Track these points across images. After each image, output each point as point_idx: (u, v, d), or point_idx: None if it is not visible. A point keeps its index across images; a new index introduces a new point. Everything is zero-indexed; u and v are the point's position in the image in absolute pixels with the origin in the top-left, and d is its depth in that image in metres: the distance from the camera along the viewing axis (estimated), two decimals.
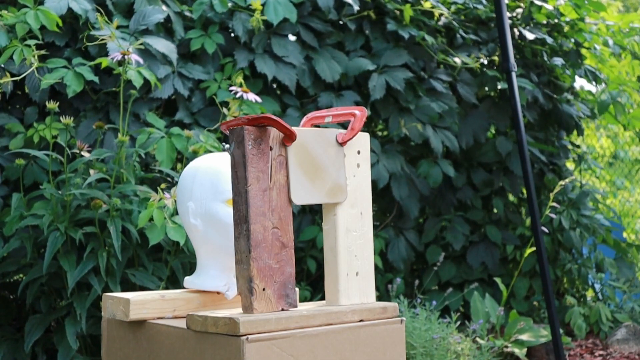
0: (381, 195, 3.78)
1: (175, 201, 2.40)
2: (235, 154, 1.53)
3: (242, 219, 1.52)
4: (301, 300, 3.11)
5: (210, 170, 1.72)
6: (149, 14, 2.94)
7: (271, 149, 1.55)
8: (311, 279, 3.51)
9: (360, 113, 1.67)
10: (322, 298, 1.69)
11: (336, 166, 1.64)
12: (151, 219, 2.39)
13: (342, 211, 1.64)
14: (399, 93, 3.58)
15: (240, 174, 1.53)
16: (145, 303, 1.64)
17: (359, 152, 1.69)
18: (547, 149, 4.05)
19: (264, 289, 1.52)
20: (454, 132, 3.71)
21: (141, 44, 2.79)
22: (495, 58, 3.84)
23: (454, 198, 3.92)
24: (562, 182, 3.42)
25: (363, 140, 1.70)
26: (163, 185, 2.46)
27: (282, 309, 1.54)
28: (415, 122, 3.57)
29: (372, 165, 3.44)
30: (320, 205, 3.39)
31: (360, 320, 1.60)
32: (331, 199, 1.64)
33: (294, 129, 1.58)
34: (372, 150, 3.49)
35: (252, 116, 1.53)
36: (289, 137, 1.57)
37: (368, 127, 3.77)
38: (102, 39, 2.60)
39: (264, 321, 1.45)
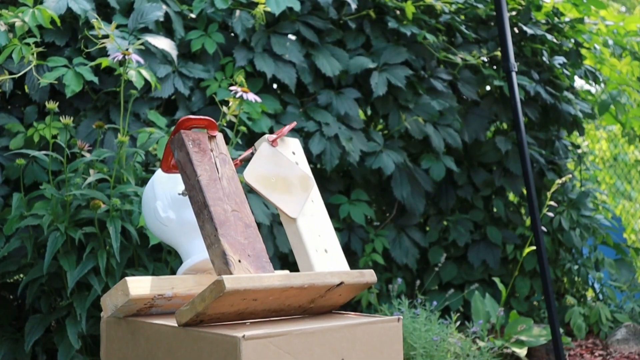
0: (381, 195, 3.79)
1: None
2: (180, 157, 1.63)
3: (201, 206, 1.59)
4: None
5: (165, 173, 1.84)
6: (147, 12, 2.94)
7: (212, 150, 1.65)
8: None
9: (288, 126, 1.85)
10: None
11: (286, 165, 1.79)
12: None
13: None
14: (399, 91, 3.59)
15: (189, 171, 1.61)
16: (142, 281, 1.63)
17: (293, 153, 1.84)
18: (546, 154, 4.05)
19: (239, 261, 1.55)
20: (456, 129, 3.71)
21: (141, 43, 2.79)
22: (497, 53, 3.84)
23: (455, 197, 3.92)
24: (559, 181, 3.41)
25: (294, 144, 1.87)
26: None
27: None
28: (416, 117, 3.58)
29: (376, 155, 3.45)
30: None
31: (341, 283, 1.63)
32: (308, 189, 1.79)
33: (241, 158, 1.80)
34: (374, 141, 3.51)
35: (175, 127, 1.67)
36: (209, 128, 1.67)
37: (368, 125, 3.78)
38: (102, 43, 2.60)
39: (247, 279, 1.46)
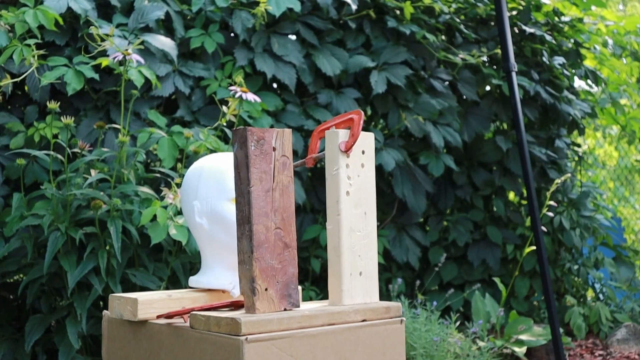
0: (380, 195, 3.78)
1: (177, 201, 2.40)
2: (238, 154, 1.53)
3: (244, 220, 1.52)
4: (306, 300, 3.11)
5: (215, 170, 1.72)
6: (148, 11, 2.93)
7: (274, 149, 1.55)
8: (315, 278, 3.51)
9: (357, 117, 1.66)
10: (326, 297, 1.68)
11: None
12: (154, 218, 2.39)
13: (346, 211, 1.62)
14: (399, 91, 3.58)
15: (243, 175, 1.53)
16: (153, 303, 1.64)
17: (363, 152, 1.68)
18: (546, 152, 4.05)
19: (266, 289, 1.52)
20: (455, 130, 3.71)
21: (141, 42, 2.79)
22: (497, 51, 3.83)
23: (454, 197, 3.92)
24: (558, 180, 3.41)
25: (367, 140, 1.69)
26: (171, 190, 2.45)
27: (285, 309, 1.54)
28: (416, 116, 3.58)
29: (376, 152, 3.45)
30: (323, 204, 3.39)
31: (363, 320, 1.60)
32: None
33: None
34: (374, 139, 3.50)
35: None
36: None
37: (368, 125, 3.77)
38: (102, 46, 2.59)
39: (265, 321, 1.45)
